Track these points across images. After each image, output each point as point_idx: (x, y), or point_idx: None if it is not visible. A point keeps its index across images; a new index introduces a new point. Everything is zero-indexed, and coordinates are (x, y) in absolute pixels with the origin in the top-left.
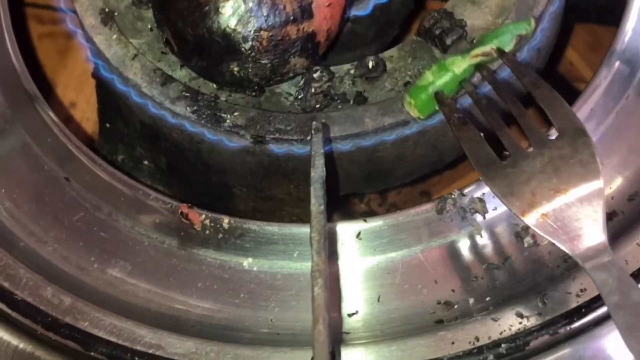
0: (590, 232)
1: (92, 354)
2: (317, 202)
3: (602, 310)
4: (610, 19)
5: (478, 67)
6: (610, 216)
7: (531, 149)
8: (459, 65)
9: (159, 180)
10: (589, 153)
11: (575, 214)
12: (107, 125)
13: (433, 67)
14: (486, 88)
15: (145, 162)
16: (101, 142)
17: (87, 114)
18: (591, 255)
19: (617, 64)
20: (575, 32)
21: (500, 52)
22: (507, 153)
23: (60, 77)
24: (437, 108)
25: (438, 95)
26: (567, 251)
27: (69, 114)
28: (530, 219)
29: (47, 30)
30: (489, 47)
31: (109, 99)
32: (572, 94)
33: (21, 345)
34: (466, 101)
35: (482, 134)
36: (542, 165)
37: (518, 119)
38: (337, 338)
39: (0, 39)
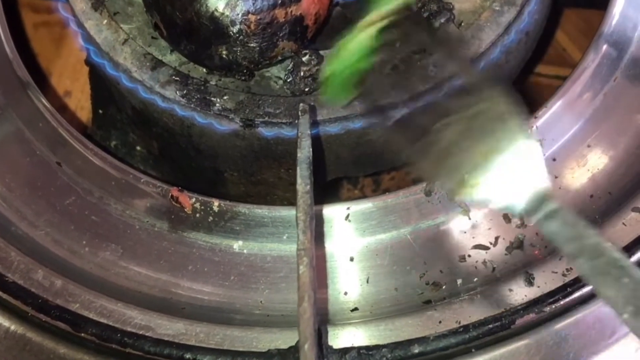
0: (532, 182)
1: (82, 334)
2: (303, 182)
3: (588, 288)
4: (599, 3)
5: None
6: (598, 196)
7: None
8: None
9: (152, 166)
10: (504, 102)
11: (512, 170)
12: (100, 111)
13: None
14: None
15: (138, 148)
16: (94, 128)
17: (82, 103)
18: (537, 206)
19: (604, 47)
20: (568, 18)
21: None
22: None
23: (56, 66)
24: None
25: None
26: (512, 213)
27: (64, 102)
28: (464, 196)
29: (42, 19)
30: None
31: (101, 85)
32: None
33: (12, 327)
34: None
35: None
36: (458, 133)
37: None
38: (325, 318)
39: None
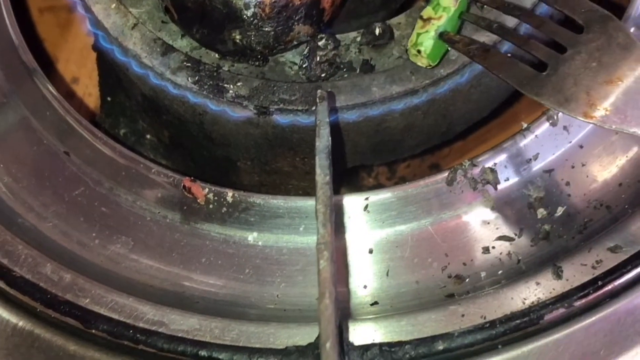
0: None
1: (93, 331)
2: (322, 173)
3: (619, 282)
4: None
5: None
6: (627, 185)
7: (567, 52)
8: (451, 0)
9: (162, 154)
10: (624, 35)
11: (635, 97)
12: (109, 98)
13: (427, 9)
14: None
15: (148, 136)
16: (102, 116)
17: (89, 89)
18: None
19: (632, 30)
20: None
21: None
22: (545, 62)
23: (62, 52)
24: (445, 51)
25: (444, 36)
26: None
27: (71, 89)
28: (595, 118)
29: (48, 4)
30: None
31: (110, 71)
32: None
33: (20, 323)
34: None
35: (509, 55)
36: (583, 62)
37: (540, 29)
38: (345, 313)
39: None
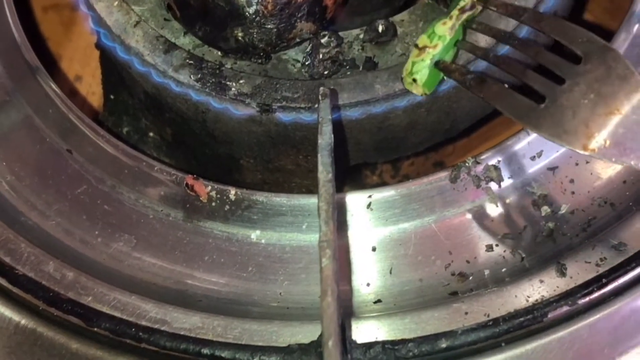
0: None
1: (95, 329)
2: (324, 170)
3: (623, 280)
4: None
5: (469, 23)
6: (631, 182)
7: (565, 83)
8: (447, 28)
9: (165, 152)
10: (623, 66)
11: (634, 129)
12: (112, 96)
13: (422, 38)
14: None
15: (151, 134)
16: (105, 114)
17: (93, 88)
18: None
19: (636, 27)
20: None
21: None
22: (542, 94)
23: (66, 50)
24: (440, 79)
25: (440, 65)
26: None
27: (74, 87)
28: (594, 151)
29: (51, 2)
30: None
31: (113, 69)
32: None
33: (23, 322)
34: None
35: (506, 85)
36: (581, 94)
37: (537, 58)
38: (348, 311)
39: (0, 10)
